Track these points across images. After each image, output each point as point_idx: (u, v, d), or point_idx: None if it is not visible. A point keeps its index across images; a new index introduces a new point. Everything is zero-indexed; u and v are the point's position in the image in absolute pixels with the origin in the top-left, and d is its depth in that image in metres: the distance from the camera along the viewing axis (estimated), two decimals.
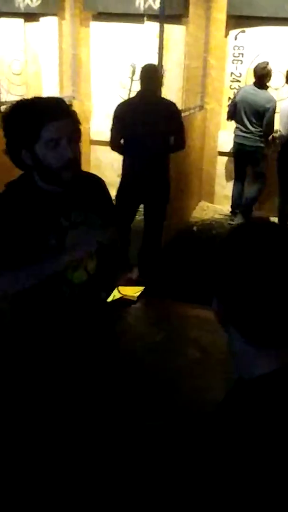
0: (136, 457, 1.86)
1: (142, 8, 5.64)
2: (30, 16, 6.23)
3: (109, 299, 1.78)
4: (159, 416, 2.50)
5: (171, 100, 4.27)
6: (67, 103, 1.69)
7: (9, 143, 1.63)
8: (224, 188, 6.37)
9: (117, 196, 4.02)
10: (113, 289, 1.96)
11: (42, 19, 6.23)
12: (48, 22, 6.23)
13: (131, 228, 4.19)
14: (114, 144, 4.10)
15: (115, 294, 1.80)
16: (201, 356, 3.12)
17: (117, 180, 4.25)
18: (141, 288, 1.80)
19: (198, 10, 5.79)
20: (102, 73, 6.26)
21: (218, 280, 0.90)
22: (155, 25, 5.00)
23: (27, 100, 1.66)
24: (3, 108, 5.21)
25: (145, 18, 5.77)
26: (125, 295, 1.75)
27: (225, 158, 6.29)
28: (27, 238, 1.61)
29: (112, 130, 4.05)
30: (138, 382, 2.56)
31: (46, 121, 1.56)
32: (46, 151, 1.57)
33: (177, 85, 5.91)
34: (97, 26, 6.13)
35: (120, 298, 1.71)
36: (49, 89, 6.35)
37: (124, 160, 4.22)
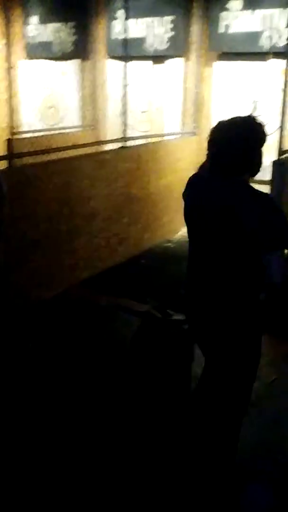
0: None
1: (267, 46, 5.70)
2: (158, 58, 6.64)
3: None
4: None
5: None
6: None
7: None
8: None
9: None
10: None
11: (169, 60, 6.58)
12: (174, 63, 6.56)
13: None
14: None
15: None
16: None
17: None
18: None
19: None
20: (223, 110, 6.38)
21: None
22: (281, 62, 5.02)
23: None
24: (128, 143, 5.57)
25: (271, 56, 5.80)
26: None
27: None
28: None
29: None
30: None
31: None
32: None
33: None
34: (220, 65, 6.29)
35: None
36: (171, 126, 6.63)
37: None
